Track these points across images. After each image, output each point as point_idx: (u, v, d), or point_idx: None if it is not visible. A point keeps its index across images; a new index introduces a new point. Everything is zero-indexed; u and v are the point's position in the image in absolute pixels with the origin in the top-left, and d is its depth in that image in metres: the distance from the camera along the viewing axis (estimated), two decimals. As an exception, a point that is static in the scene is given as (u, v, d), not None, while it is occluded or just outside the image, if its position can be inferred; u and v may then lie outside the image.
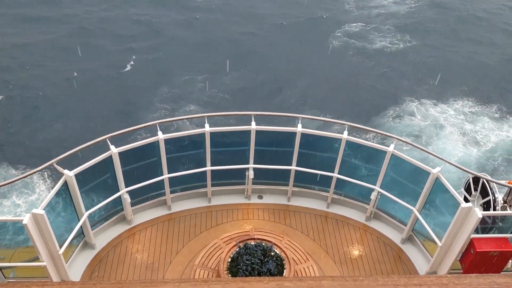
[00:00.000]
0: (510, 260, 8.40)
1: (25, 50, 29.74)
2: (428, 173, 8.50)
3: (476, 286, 0.93)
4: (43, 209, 7.26)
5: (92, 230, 8.91)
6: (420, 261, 9.16)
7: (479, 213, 7.61)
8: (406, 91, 28.16)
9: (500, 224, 8.47)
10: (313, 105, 26.45)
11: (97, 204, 8.70)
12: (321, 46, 32.23)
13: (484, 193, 9.37)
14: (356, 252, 9.30)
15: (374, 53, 31.72)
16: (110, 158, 8.52)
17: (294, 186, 10.10)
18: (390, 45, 32.50)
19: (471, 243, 8.06)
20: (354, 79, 29.13)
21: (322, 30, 34.00)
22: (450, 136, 24.63)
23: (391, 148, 8.89)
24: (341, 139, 9.15)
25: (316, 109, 25.84)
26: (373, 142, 9.40)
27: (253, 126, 9.18)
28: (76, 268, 8.65)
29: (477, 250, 7.92)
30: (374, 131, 9.88)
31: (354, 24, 34.84)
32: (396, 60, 31.01)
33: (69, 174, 7.87)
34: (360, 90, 28.24)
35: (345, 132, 9.18)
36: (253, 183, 10.05)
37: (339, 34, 33.50)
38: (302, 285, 0.90)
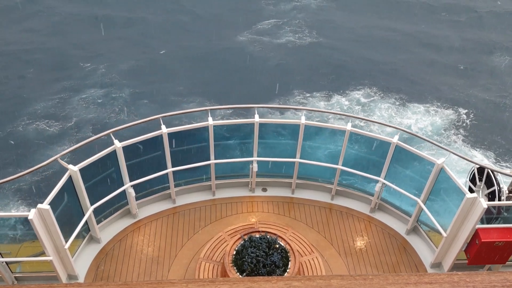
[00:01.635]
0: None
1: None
2: (432, 164, 8.48)
3: (487, 284, 0.92)
4: (48, 204, 7.28)
5: (98, 224, 8.95)
6: (425, 252, 9.16)
7: (484, 203, 7.60)
8: (301, 85, 28.16)
9: (505, 214, 8.46)
10: (198, 95, 26.84)
11: (102, 198, 8.73)
12: (226, 39, 32.39)
13: (489, 183, 9.35)
14: (360, 244, 9.31)
15: (277, 47, 31.85)
16: (114, 152, 8.54)
17: (298, 178, 10.10)
18: (295, 40, 32.66)
19: (476, 234, 8.05)
20: (249, 73, 29.23)
21: (231, 23, 34.12)
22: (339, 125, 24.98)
23: (395, 139, 8.87)
24: (345, 131, 9.13)
25: (200, 98, 26.39)
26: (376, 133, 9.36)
27: (257, 119, 9.17)
28: (82, 262, 8.71)
29: (482, 240, 7.91)
30: (378, 123, 9.85)
31: (267, 21, 34.97)
32: (297, 55, 31.13)
33: (74, 169, 7.89)
34: (253, 83, 28.33)
35: (349, 124, 9.16)
36: (257, 176, 10.06)
37: (248, 30, 33.68)
38: (311, 284, 0.89)
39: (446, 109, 26.74)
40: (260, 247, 7.87)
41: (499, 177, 9.21)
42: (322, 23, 34.51)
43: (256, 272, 7.66)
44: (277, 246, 7.98)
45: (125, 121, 23.92)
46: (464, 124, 25.69)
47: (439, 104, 27.02)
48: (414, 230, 9.53)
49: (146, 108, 25.51)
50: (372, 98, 27.34)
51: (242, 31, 33.23)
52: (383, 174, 9.33)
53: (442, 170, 8.42)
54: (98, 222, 8.99)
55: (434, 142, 9.25)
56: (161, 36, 32.29)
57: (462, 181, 8.97)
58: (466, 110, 26.55)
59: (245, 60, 30.32)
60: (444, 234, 8.29)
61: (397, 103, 27.05)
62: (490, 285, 0.88)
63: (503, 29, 34.56)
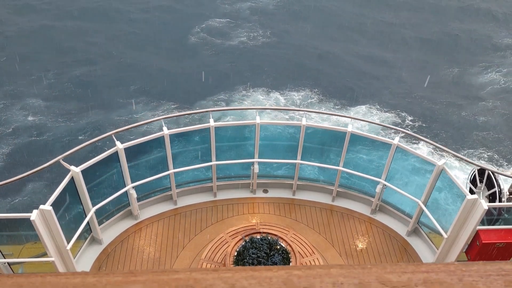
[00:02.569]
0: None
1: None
2: (433, 165, 8.51)
3: (483, 273, 0.95)
4: (50, 205, 7.31)
5: (99, 225, 8.98)
6: (425, 253, 9.17)
7: (485, 204, 7.61)
8: (242, 83, 28.84)
9: (506, 215, 8.48)
10: (148, 96, 27.28)
11: (104, 199, 8.76)
12: (177, 41, 32.84)
13: (489, 184, 9.37)
14: (361, 245, 9.33)
15: (228, 48, 32.43)
16: (116, 154, 8.58)
17: (299, 179, 10.12)
18: (247, 41, 33.22)
19: (477, 235, 8.07)
20: (195, 73, 29.74)
21: (185, 24, 34.61)
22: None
23: (396, 141, 8.90)
24: (346, 132, 9.16)
25: (150, 99, 26.80)
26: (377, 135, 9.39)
27: (258, 120, 9.21)
28: (84, 263, 8.74)
29: (483, 241, 7.93)
30: (379, 124, 9.87)
31: (219, 20, 35.55)
32: (246, 54, 31.77)
33: (76, 170, 7.92)
34: (196, 82, 28.90)
35: (350, 125, 9.19)
36: (258, 177, 10.09)
37: (198, 29, 34.18)
38: (311, 273, 0.92)
39: (386, 111, 27.13)
40: (261, 248, 7.89)
41: (500, 178, 9.24)
42: (275, 24, 35.31)
43: None
44: (278, 247, 8.01)
45: (71, 128, 24.05)
46: (404, 125, 26.19)
47: (379, 107, 27.50)
48: (415, 232, 9.55)
49: (96, 114, 25.55)
50: (314, 96, 27.91)
51: (194, 31, 33.78)
52: (383, 175, 9.36)
53: (442, 171, 8.45)
54: (99, 223, 9.03)
55: (435, 143, 9.28)
56: (111, 38, 32.59)
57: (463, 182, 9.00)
58: (407, 113, 27.04)
59: (195, 59, 30.86)
60: (445, 236, 8.30)
61: (340, 102, 27.61)
62: (486, 274, 0.91)
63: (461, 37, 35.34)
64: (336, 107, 27.17)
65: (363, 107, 27.22)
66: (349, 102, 27.73)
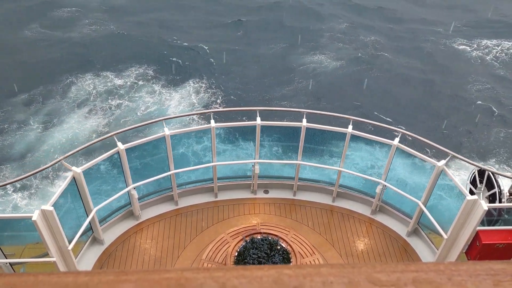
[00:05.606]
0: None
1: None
2: (433, 166, 8.53)
3: (472, 272, 0.97)
4: (52, 206, 7.35)
5: (101, 225, 9.02)
6: (425, 254, 9.19)
7: (485, 205, 7.62)
8: (81, 70, 28.76)
9: (506, 216, 8.49)
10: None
11: (105, 200, 8.80)
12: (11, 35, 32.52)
13: (489, 185, 9.38)
14: (361, 245, 9.35)
15: (66, 38, 32.40)
16: (117, 154, 8.62)
17: (299, 180, 10.15)
18: (90, 31, 33.27)
19: (477, 235, 8.08)
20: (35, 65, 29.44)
21: (23, 16, 34.43)
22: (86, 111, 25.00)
23: (396, 142, 8.92)
24: (346, 133, 9.18)
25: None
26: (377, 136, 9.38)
27: (258, 121, 9.24)
28: (85, 264, 8.78)
29: (483, 242, 7.94)
30: (379, 125, 9.86)
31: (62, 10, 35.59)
32: (82, 45, 31.71)
33: (77, 171, 7.96)
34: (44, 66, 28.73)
35: (350, 126, 9.21)
36: (259, 178, 10.12)
37: (37, 22, 33.90)
38: (301, 272, 0.95)
39: (206, 92, 26.82)
40: (262, 249, 7.92)
41: (500, 179, 9.24)
42: (120, 15, 35.55)
43: None
44: (279, 247, 8.03)
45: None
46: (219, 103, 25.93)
47: (204, 85, 27.33)
48: (415, 232, 9.57)
49: None
50: (144, 80, 28.05)
51: (32, 26, 33.57)
52: (383, 176, 9.38)
53: (442, 172, 8.47)
54: (101, 223, 9.07)
55: (435, 144, 9.28)
56: None
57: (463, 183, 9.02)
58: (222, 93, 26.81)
59: (34, 54, 30.47)
60: (445, 236, 8.32)
61: (168, 85, 27.65)
62: (475, 274, 0.93)
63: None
64: (167, 86, 27.34)
65: (186, 87, 27.13)
66: (176, 80, 27.79)
